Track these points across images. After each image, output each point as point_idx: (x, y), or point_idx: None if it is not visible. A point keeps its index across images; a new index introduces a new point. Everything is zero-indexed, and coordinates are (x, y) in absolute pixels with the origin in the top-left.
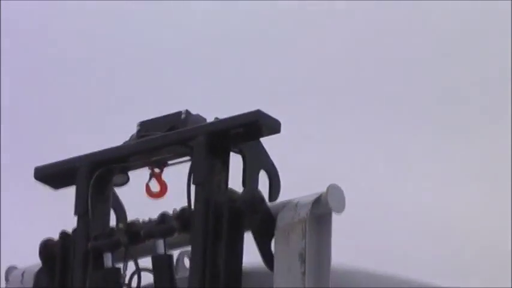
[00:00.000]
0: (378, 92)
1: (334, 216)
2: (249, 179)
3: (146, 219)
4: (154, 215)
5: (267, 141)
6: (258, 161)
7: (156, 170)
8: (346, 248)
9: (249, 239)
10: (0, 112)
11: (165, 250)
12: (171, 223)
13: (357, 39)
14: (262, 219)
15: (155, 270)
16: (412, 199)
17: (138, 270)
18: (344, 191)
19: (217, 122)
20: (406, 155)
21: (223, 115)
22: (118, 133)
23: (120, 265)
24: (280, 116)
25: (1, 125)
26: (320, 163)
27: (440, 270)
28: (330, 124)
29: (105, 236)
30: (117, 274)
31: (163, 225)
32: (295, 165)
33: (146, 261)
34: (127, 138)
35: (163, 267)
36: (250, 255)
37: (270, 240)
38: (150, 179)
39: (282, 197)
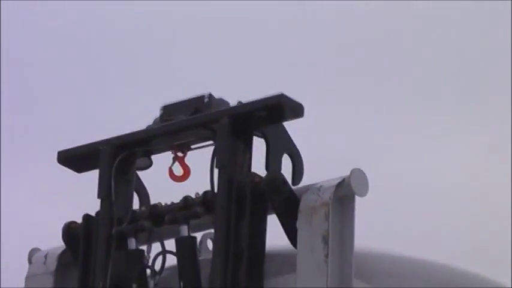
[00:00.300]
0: (399, 74)
1: (358, 199)
2: (272, 162)
3: (169, 203)
4: (177, 199)
5: (291, 125)
6: (280, 145)
7: (179, 154)
8: (370, 230)
9: (271, 221)
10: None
11: (188, 232)
12: (195, 209)
13: (380, 21)
14: (286, 200)
15: (179, 252)
16: (437, 179)
17: (162, 252)
18: (367, 174)
19: (241, 105)
20: (430, 135)
21: (246, 98)
22: (140, 117)
23: (143, 247)
24: (304, 100)
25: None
26: (344, 146)
27: (468, 251)
28: (352, 107)
29: (129, 221)
30: (140, 255)
31: (187, 211)
32: (320, 149)
33: (169, 243)
34: (150, 122)
35: (186, 249)
36: (273, 237)
37: (295, 219)
38: (173, 162)
39: (306, 181)
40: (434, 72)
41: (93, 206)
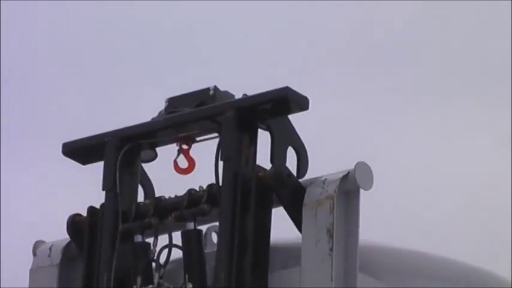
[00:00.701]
0: (414, 66)
1: (365, 193)
2: (277, 155)
3: (173, 195)
4: (181, 191)
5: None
6: (285, 138)
7: (184, 146)
8: (377, 224)
9: (276, 215)
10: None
11: (194, 225)
12: (202, 206)
13: (392, 15)
14: (292, 192)
15: (185, 245)
16: (449, 173)
17: (168, 246)
18: (377, 169)
19: (246, 98)
20: (444, 128)
21: (252, 91)
22: (146, 108)
23: (149, 239)
24: (312, 93)
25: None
26: (351, 141)
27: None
28: (364, 100)
29: (135, 216)
30: (146, 248)
31: (195, 209)
32: (330, 142)
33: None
34: (155, 114)
35: (193, 243)
36: (278, 230)
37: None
38: (178, 155)
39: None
40: (446, 66)
41: (91, 198)
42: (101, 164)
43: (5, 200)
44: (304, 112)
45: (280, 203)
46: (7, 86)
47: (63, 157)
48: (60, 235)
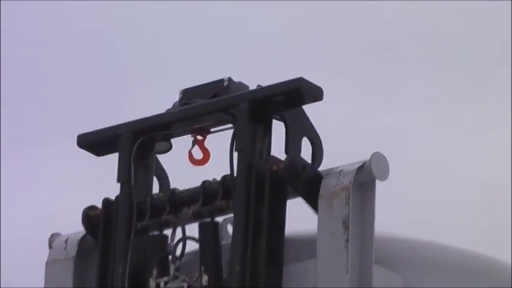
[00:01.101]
0: (430, 59)
1: (381, 184)
2: (291, 146)
3: (187, 187)
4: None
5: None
6: (300, 128)
7: (199, 138)
8: (393, 216)
9: (290, 207)
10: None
11: (212, 218)
12: (218, 203)
13: (407, 6)
14: (307, 183)
15: (201, 237)
16: (463, 168)
17: (183, 238)
18: (388, 159)
19: (260, 89)
20: (462, 124)
21: (266, 82)
22: (160, 100)
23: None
24: (329, 83)
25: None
26: (374, 130)
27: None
28: (382, 92)
29: (150, 210)
30: (162, 240)
31: (211, 207)
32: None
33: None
34: (170, 106)
35: (209, 234)
36: (293, 222)
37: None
38: (192, 146)
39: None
40: (467, 63)
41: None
42: (116, 155)
43: (21, 192)
44: (319, 103)
45: (296, 193)
46: (14, 79)
47: (80, 149)
48: (75, 228)
